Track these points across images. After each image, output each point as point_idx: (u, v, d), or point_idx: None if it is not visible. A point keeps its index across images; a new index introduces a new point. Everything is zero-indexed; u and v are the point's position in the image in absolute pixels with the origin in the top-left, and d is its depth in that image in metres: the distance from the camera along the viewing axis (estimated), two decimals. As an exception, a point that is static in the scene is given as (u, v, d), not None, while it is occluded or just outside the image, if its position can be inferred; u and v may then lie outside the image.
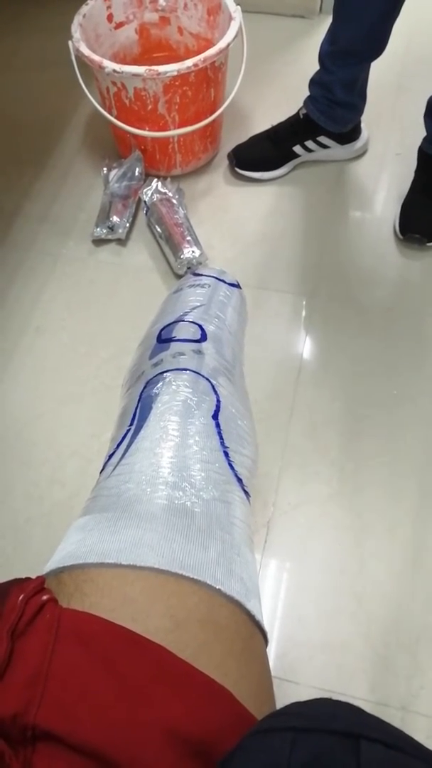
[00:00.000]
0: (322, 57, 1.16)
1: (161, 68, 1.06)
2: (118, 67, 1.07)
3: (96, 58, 1.10)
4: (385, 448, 0.99)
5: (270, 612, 0.87)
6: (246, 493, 0.53)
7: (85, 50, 1.11)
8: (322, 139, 1.29)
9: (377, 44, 1.10)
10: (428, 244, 1.21)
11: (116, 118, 1.19)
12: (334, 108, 1.22)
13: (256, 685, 0.42)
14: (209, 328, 0.63)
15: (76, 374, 1.09)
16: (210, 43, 1.24)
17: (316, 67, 1.20)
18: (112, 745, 0.35)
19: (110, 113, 1.20)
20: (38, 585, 0.42)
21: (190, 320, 0.63)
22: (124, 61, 1.33)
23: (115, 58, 1.32)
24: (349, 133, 1.30)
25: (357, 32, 1.07)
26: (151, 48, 1.36)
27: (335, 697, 0.78)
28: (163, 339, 0.62)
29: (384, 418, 1.02)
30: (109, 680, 0.37)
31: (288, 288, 1.18)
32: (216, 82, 1.20)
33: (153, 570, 0.42)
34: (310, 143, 1.29)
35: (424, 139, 1.18)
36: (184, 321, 0.64)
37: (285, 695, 0.81)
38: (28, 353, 1.12)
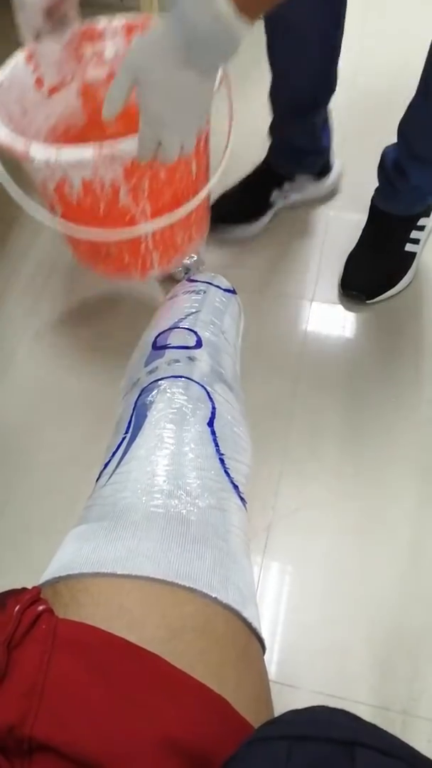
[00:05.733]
0: (275, 109, 1.10)
1: (116, 146, 0.71)
2: (52, 154, 0.71)
3: (19, 146, 0.73)
4: (384, 452, 0.99)
5: (270, 617, 0.87)
6: (242, 500, 0.53)
7: (4, 135, 0.75)
8: (298, 179, 1.23)
9: (325, 87, 1.06)
10: (368, 302, 1.13)
11: (62, 217, 0.84)
12: (300, 155, 1.17)
13: (254, 694, 0.42)
14: (204, 335, 0.63)
15: (74, 380, 1.09)
16: None
17: None
18: (109, 755, 0.35)
19: (52, 212, 0.84)
20: (34, 595, 0.42)
21: (185, 327, 0.64)
22: (66, 137, 0.95)
23: (54, 134, 0.94)
24: (321, 169, 1.24)
25: (299, 82, 1.02)
26: (100, 111, 0.96)
27: (336, 702, 0.78)
28: (158, 346, 0.62)
29: (383, 421, 1.02)
30: (105, 690, 0.37)
31: (287, 292, 1.18)
32: (198, 152, 0.85)
33: (149, 579, 0.42)
34: (286, 185, 1.23)
35: (375, 191, 1.13)
36: (179, 328, 0.64)
37: (286, 700, 0.81)
38: (27, 359, 1.12)
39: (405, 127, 1.01)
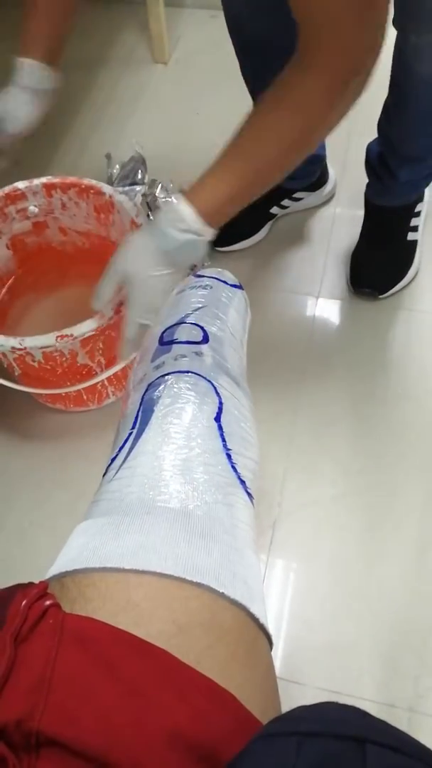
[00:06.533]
0: None
1: (76, 331, 0.81)
2: (17, 343, 0.81)
3: None
4: (390, 448, 0.99)
5: (276, 613, 0.87)
6: (249, 495, 0.53)
7: None
8: (296, 194, 1.22)
9: None
10: (380, 297, 1.13)
11: (19, 378, 0.96)
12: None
13: (261, 689, 0.42)
14: (211, 330, 0.63)
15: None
16: (106, 240, 1.03)
17: None
18: (117, 750, 0.35)
19: (11, 375, 0.94)
20: (41, 590, 0.42)
21: (192, 322, 0.63)
22: (2, 284, 1.07)
23: None
24: (318, 179, 1.22)
25: None
26: (30, 256, 1.08)
27: (342, 698, 0.78)
28: (165, 341, 0.62)
29: (390, 417, 1.02)
30: (112, 685, 0.37)
31: (293, 288, 1.18)
32: None
33: (156, 574, 0.42)
34: (285, 201, 1.22)
35: (366, 186, 1.12)
36: (185, 323, 0.63)
37: (291, 697, 0.81)
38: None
39: (383, 126, 1.00)
